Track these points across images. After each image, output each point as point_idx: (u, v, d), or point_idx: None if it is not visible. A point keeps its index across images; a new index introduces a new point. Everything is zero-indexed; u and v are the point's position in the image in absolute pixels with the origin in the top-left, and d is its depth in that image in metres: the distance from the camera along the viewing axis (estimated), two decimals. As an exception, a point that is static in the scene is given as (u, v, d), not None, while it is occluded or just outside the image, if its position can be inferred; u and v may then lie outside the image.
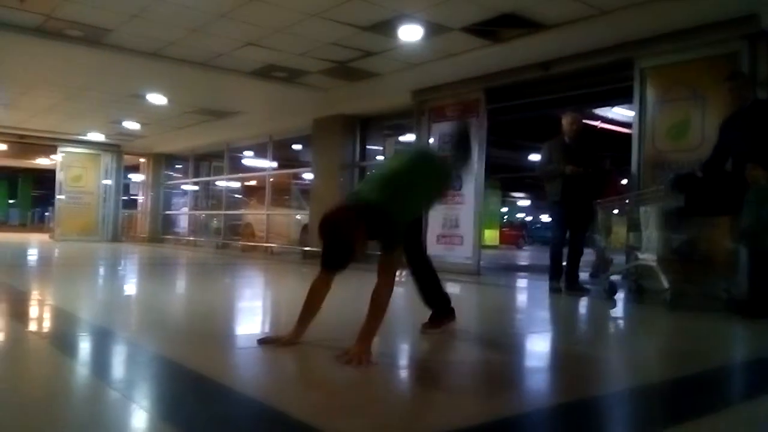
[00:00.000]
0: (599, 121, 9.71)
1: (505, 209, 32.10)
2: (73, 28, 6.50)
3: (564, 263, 5.78)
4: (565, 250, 5.82)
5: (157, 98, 9.61)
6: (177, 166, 17.43)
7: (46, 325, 3.59)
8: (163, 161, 16.83)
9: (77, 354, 2.74)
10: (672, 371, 2.79)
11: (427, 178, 3.07)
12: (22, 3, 5.76)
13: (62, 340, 2.99)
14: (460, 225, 7.78)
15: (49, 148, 15.58)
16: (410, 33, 6.17)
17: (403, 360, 2.98)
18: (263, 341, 2.83)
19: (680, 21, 5.42)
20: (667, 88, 5.76)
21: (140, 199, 17.63)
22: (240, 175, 15.54)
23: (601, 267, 6.93)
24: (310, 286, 2.83)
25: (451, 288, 5.96)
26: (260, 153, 14.41)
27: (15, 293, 4.63)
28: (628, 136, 6.22)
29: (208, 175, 16.18)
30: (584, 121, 6.31)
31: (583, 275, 6.14)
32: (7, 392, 2.05)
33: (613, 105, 8.46)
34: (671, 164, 5.54)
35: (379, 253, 2.71)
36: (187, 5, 5.73)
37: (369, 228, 2.58)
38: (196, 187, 16.61)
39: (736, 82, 4.66)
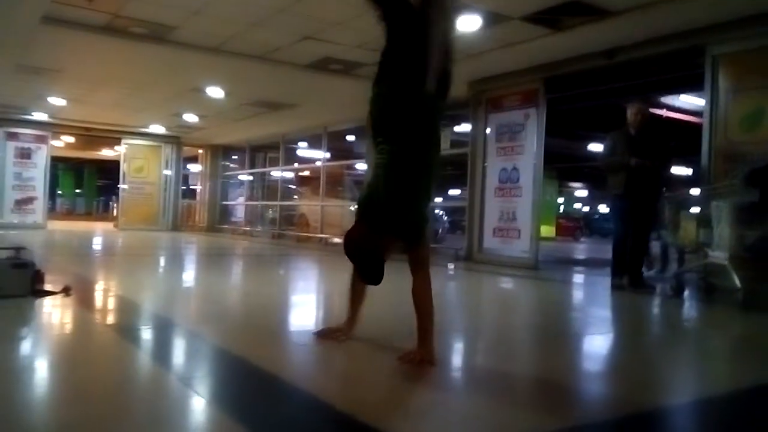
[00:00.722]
0: (665, 110, 9.33)
1: (561, 199, 31.38)
2: (138, 26, 6.67)
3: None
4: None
5: (215, 91, 9.80)
6: (234, 157, 17.81)
7: (113, 314, 3.72)
8: (221, 152, 17.22)
9: (142, 344, 2.84)
10: (747, 378, 2.65)
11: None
12: (90, 2, 5.94)
13: (128, 330, 3.10)
14: (517, 218, 7.65)
15: (114, 140, 16.17)
16: (469, 23, 6.04)
17: (464, 362, 2.93)
18: (320, 334, 2.89)
19: (756, 5, 5.12)
20: (741, 76, 5.47)
21: (198, 189, 18.11)
22: (295, 166, 15.75)
23: (659, 264, 6.71)
24: (350, 279, 2.82)
25: (509, 284, 5.88)
26: (314, 144, 14.55)
27: (83, 282, 4.82)
28: (696, 125, 5.96)
29: (264, 166, 16.46)
30: (649, 110, 6.06)
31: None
32: (76, 382, 2.12)
33: (681, 93, 8.12)
34: (744, 156, 5.26)
35: (409, 250, 2.59)
36: (248, 1, 5.79)
37: (389, 232, 2.50)
38: (251, 178, 16.93)
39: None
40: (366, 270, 2.54)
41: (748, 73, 5.44)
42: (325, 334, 2.88)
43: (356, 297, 2.84)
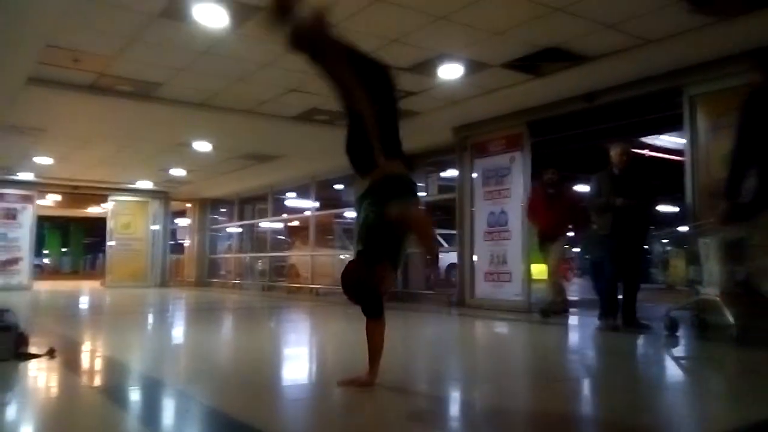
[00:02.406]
0: (647, 149, 9.48)
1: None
2: (123, 84, 6.74)
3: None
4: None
5: (203, 146, 9.86)
6: (222, 210, 17.78)
7: (101, 376, 3.62)
8: (209, 205, 17.20)
9: (129, 406, 2.75)
10: (743, 415, 2.60)
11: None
12: (76, 63, 6.01)
13: (114, 391, 3.01)
14: (507, 261, 7.64)
15: (100, 197, 16.11)
16: (450, 71, 6.18)
17: (454, 410, 2.86)
18: (343, 383, 2.89)
19: (729, 47, 5.29)
20: (720, 114, 5.58)
21: (186, 243, 17.99)
22: (284, 216, 15.73)
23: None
24: (365, 328, 2.85)
25: (501, 328, 5.82)
26: (303, 194, 14.58)
27: (70, 344, 4.71)
28: (678, 162, 6.04)
29: (253, 218, 16.43)
30: (633, 150, 6.16)
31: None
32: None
33: (661, 133, 8.27)
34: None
35: None
36: (232, 57, 5.88)
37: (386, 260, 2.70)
38: (240, 230, 16.86)
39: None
40: (363, 302, 2.73)
41: (725, 112, 5.54)
42: (348, 384, 2.89)
43: (373, 347, 2.86)
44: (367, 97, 2.81)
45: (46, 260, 32.16)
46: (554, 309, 6.79)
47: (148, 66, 6.19)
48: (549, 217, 6.86)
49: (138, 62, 6.07)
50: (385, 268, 2.69)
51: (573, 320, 6.82)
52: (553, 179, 6.98)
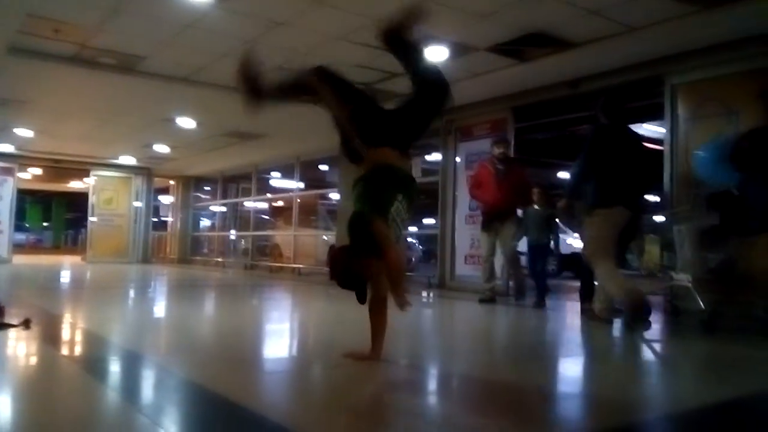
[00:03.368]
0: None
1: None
2: (106, 57, 6.66)
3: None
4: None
5: (187, 122, 9.78)
6: (206, 188, 17.69)
7: (78, 348, 3.63)
8: (192, 183, 17.10)
9: (108, 378, 2.75)
10: (705, 397, 2.68)
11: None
12: (57, 33, 5.93)
13: (93, 364, 3.01)
14: (488, 245, 7.68)
15: (82, 172, 15.95)
16: (436, 54, 6.17)
17: (437, 389, 2.92)
18: (349, 356, 2.96)
19: (711, 36, 5.34)
20: (699, 104, 5.66)
21: (170, 220, 17.90)
22: (267, 196, 15.69)
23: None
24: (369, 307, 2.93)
25: (478, 311, 5.89)
26: (287, 174, 14.55)
27: (47, 316, 4.70)
28: (660, 152, 6.12)
29: (236, 197, 16.37)
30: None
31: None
32: (38, 416, 2.06)
33: (643, 122, 8.34)
34: (705, 182, 5.41)
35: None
36: (216, 32, 5.83)
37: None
38: (224, 209, 16.80)
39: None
40: (350, 289, 2.74)
41: (706, 101, 5.63)
42: (353, 357, 2.96)
43: (375, 326, 2.93)
44: (338, 101, 3.02)
45: (26, 235, 31.79)
46: (491, 297, 6.43)
47: (131, 38, 6.11)
48: (497, 194, 6.40)
49: (120, 34, 6.00)
50: (370, 262, 2.70)
51: (554, 303, 6.92)
52: (503, 154, 6.54)
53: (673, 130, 5.84)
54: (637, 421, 2.28)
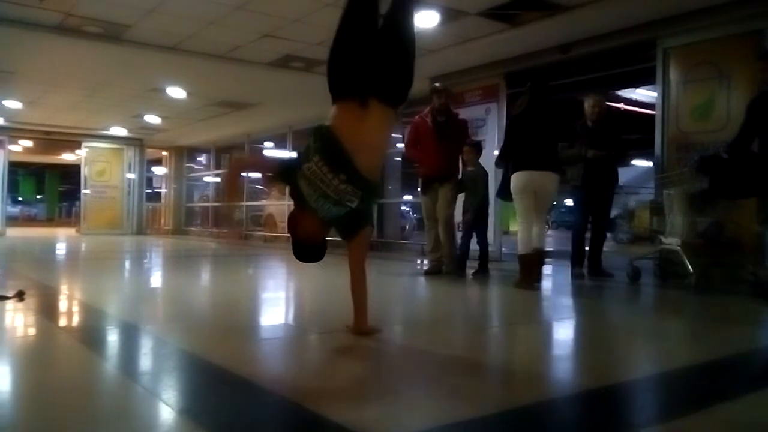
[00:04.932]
0: (622, 103, 9.54)
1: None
2: (92, 25, 6.56)
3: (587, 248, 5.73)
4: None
5: (176, 92, 9.68)
6: (199, 158, 17.60)
7: (73, 320, 3.66)
8: (185, 154, 17.01)
9: (103, 349, 2.78)
10: (693, 357, 2.75)
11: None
12: (42, 2, 5.82)
13: (89, 335, 3.04)
14: (480, 211, 7.70)
15: (74, 144, 15.85)
16: (427, 19, 6.10)
17: (425, 348, 2.97)
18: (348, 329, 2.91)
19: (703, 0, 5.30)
20: (691, 68, 5.64)
21: (163, 191, 17.85)
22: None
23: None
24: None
25: (470, 277, 5.92)
26: (280, 143, 14.47)
27: (42, 288, 4.72)
28: (653, 117, 6.12)
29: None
30: (607, 103, 6.21)
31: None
32: (34, 386, 2.09)
33: (635, 87, 8.32)
34: (696, 146, 5.44)
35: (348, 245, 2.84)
36: (203, -2, 5.75)
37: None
38: (218, 179, 16.74)
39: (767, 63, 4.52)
40: (304, 251, 2.79)
41: (697, 65, 5.60)
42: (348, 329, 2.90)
43: (353, 297, 2.86)
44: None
45: (20, 207, 31.69)
46: (438, 268, 5.76)
47: (117, 6, 6.01)
48: (437, 153, 5.60)
49: (105, 2, 5.90)
50: (301, 216, 2.72)
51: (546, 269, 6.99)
52: (444, 105, 5.69)
53: (665, 95, 5.82)
54: (625, 381, 2.33)
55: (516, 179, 4.89)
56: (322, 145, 2.59)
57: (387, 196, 10.43)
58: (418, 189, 5.87)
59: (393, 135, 6.18)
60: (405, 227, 12.37)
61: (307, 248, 2.79)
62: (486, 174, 6.00)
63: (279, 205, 13.39)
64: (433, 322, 3.64)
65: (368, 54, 2.72)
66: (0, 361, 2.53)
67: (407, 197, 12.55)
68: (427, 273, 5.81)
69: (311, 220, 2.69)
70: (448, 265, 5.69)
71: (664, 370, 2.50)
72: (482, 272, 5.85)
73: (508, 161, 5.08)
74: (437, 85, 5.89)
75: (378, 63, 2.71)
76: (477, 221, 5.91)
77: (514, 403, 1.94)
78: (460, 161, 5.91)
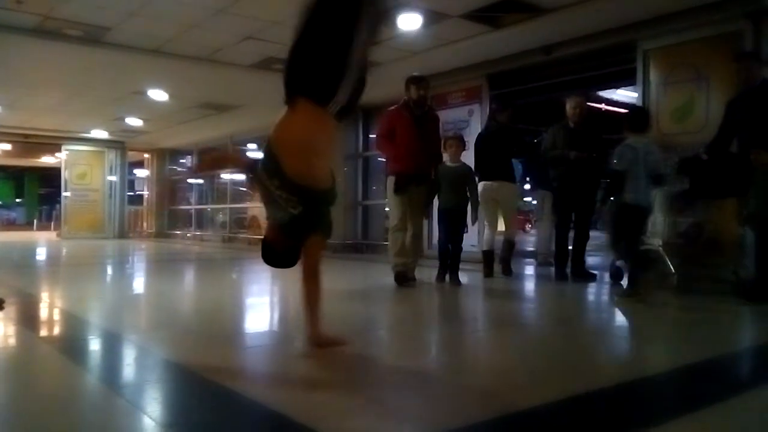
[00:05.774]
0: (603, 104, 9.62)
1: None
2: (71, 28, 6.47)
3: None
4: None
5: (158, 94, 9.59)
6: (181, 160, 17.45)
7: (54, 329, 3.61)
8: (167, 156, 16.85)
9: (84, 359, 2.75)
10: (677, 359, 2.78)
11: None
12: (19, 4, 5.73)
13: (70, 344, 3.01)
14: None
15: (54, 147, 15.62)
16: (409, 21, 6.10)
17: (410, 359, 2.97)
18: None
19: (682, 1, 5.35)
20: (671, 69, 5.70)
21: (146, 194, 17.67)
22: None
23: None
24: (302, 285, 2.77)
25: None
26: (263, 145, 14.40)
27: (22, 296, 4.65)
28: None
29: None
30: (588, 104, 6.26)
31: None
32: (14, 399, 2.06)
33: (616, 88, 8.39)
34: (676, 147, 5.49)
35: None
36: (184, 2, 5.69)
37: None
38: (200, 181, 16.63)
39: (744, 63, 4.58)
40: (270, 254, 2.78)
41: (677, 67, 5.67)
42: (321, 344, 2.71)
43: (312, 299, 2.72)
44: None
45: (-1, 211, 31.22)
46: (405, 274, 5.13)
47: (97, 9, 5.94)
48: (416, 149, 5.10)
49: (85, 4, 5.82)
50: (270, 226, 2.78)
51: (531, 270, 7.04)
52: (423, 98, 5.19)
53: (645, 95, 5.87)
54: (608, 385, 2.35)
55: (480, 189, 5.67)
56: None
57: (370, 197, 10.43)
58: (387, 188, 5.30)
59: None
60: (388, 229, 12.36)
61: (272, 252, 2.76)
62: (471, 171, 5.55)
63: (263, 207, 13.32)
64: (412, 332, 3.64)
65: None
66: (-21, 374, 2.49)
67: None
68: (397, 280, 5.13)
69: (270, 224, 2.75)
70: (406, 272, 5.13)
71: (646, 374, 2.52)
72: (456, 280, 5.30)
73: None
74: (416, 74, 5.37)
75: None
76: (454, 222, 5.35)
77: (502, 410, 1.94)
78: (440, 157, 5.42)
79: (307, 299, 2.69)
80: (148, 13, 6.01)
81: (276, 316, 4.24)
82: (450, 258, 5.37)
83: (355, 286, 5.64)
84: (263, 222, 13.04)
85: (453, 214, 5.34)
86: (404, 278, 5.12)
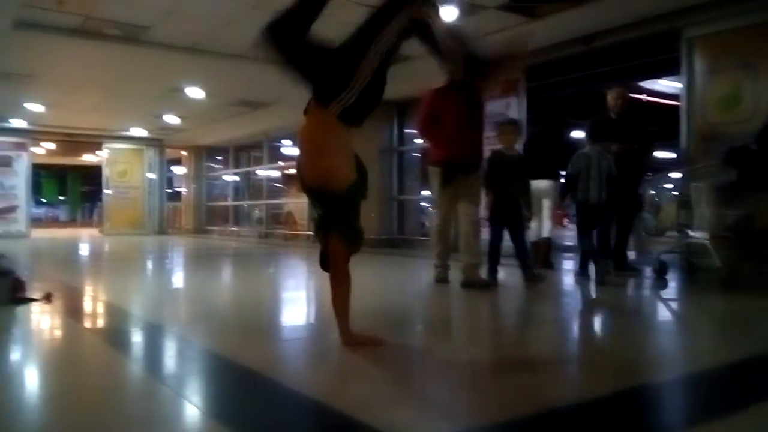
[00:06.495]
0: (645, 94, 9.38)
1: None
2: (111, 27, 6.60)
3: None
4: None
5: (195, 92, 9.73)
6: (218, 157, 17.70)
7: (99, 320, 3.68)
8: (204, 153, 17.11)
9: (129, 350, 2.80)
10: (724, 356, 2.67)
11: None
12: (61, 5, 5.87)
13: (114, 335, 3.06)
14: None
15: (95, 145, 16.03)
16: (446, 14, 6.03)
17: (447, 355, 2.93)
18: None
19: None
20: (716, 57, 5.52)
21: (183, 191, 17.98)
22: (279, 164, 15.67)
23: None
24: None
25: (501, 275, 5.80)
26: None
27: (69, 290, 4.77)
28: (676, 107, 6.00)
29: (248, 166, 16.36)
30: (630, 95, 6.10)
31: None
32: (63, 387, 2.10)
33: (659, 77, 8.17)
34: (723, 137, 5.31)
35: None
36: (221, -2, 5.75)
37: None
38: (237, 178, 16.83)
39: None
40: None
41: (722, 55, 5.48)
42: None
43: (335, 302, 2.70)
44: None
45: (43, 209, 32.15)
46: (479, 280, 4.64)
47: (135, 8, 6.04)
48: (468, 134, 4.60)
49: (124, 4, 5.93)
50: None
51: (569, 264, 6.91)
52: (465, 77, 4.15)
53: (690, 85, 5.70)
54: (653, 382, 2.27)
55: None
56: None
57: (406, 192, 10.39)
58: (432, 180, 4.82)
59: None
60: (424, 224, 12.31)
61: (321, 254, 2.70)
62: (525, 159, 5.14)
63: (298, 203, 13.42)
64: (454, 328, 3.60)
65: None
66: (29, 363, 2.55)
67: (426, 192, 12.49)
68: (439, 281, 4.82)
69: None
70: (476, 274, 4.67)
71: (693, 371, 2.43)
72: (531, 278, 4.78)
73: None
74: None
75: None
76: (515, 216, 4.83)
77: (544, 406, 1.89)
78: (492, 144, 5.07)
79: (332, 302, 2.69)
80: (185, 11, 6.08)
81: (313, 309, 4.24)
82: (516, 257, 4.84)
83: (396, 281, 5.61)
84: (299, 217, 13.18)
85: (513, 207, 4.82)
86: (444, 280, 4.81)
